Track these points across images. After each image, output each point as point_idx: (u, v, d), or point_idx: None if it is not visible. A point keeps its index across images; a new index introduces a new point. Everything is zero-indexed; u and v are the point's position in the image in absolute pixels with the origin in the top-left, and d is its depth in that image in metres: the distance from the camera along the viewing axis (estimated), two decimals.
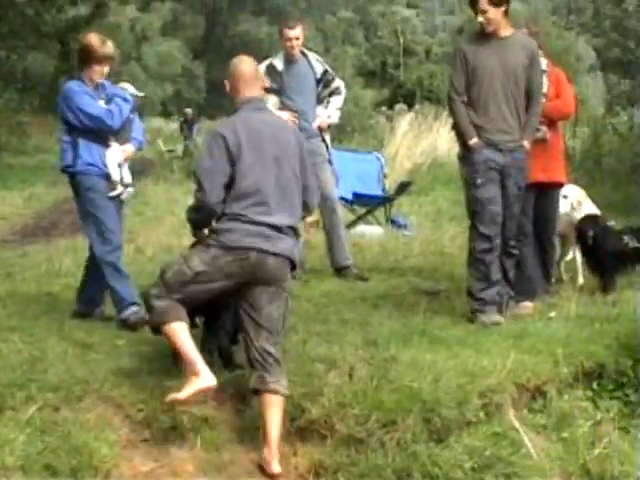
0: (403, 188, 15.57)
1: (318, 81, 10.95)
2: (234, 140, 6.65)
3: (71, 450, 5.97)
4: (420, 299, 9.12)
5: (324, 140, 10.98)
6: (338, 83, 11.15)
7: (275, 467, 6.37)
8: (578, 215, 9.64)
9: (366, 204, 14.51)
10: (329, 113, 10.95)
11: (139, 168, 24.77)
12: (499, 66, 8.59)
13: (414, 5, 66.17)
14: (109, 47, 8.49)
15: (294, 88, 10.80)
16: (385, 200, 14.94)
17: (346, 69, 36.71)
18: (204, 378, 6.40)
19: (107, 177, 8.42)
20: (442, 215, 15.55)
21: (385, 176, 16.02)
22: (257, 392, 6.51)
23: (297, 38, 10.76)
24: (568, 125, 18.37)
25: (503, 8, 8.49)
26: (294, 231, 6.75)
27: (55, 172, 10.98)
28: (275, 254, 6.56)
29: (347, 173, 14.80)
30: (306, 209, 7.02)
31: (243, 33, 63.38)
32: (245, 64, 7.03)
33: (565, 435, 6.66)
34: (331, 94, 11.07)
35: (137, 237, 12.75)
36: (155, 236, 12.82)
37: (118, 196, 8.54)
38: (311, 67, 10.98)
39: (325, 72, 11.01)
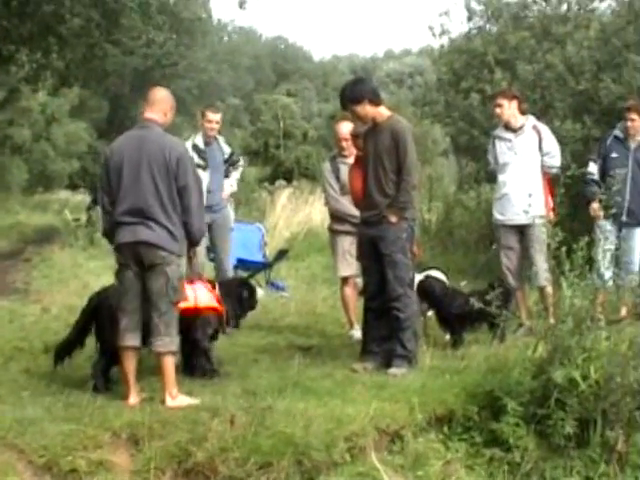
0: (281, 255, 15.61)
1: (225, 161, 11.22)
2: (109, 154, 7.59)
3: None
4: (295, 354, 9.10)
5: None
6: (241, 161, 11.56)
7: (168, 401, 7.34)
8: None
9: (249, 269, 14.49)
10: (231, 182, 11.31)
11: (47, 235, 24.54)
12: (372, 150, 8.70)
13: (293, 94, 66.72)
14: None
15: (211, 166, 11.04)
16: (265, 265, 14.95)
17: (234, 149, 36.75)
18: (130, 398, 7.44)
19: None
20: (316, 279, 15.57)
21: (266, 244, 16.04)
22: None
23: (217, 122, 11.06)
24: (425, 200, 18.62)
25: (364, 102, 8.60)
26: (158, 224, 7.34)
27: None
28: (139, 242, 7.35)
29: (232, 241, 14.84)
30: (188, 233, 7.54)
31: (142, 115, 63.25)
32: (154, 90, 7.89)
33: (420, 473, 6.68)
34: (232, 166, 11.41)
35: (44, 298, 12.55)
36: (60, 297, 12.59)
37: None
38: (221, 148, 11.22)
39: (232, 154, 11.35)
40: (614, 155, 10.58)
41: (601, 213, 10.21)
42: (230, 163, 11.41)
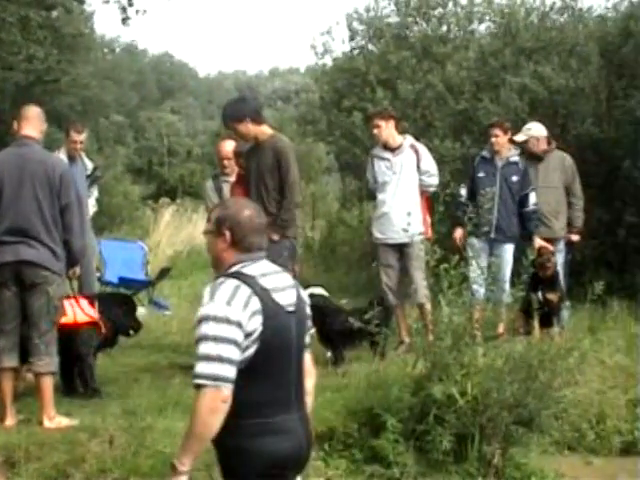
0: (164, 273, 15.50)
1: (88, 176, 11.04)
2: None
3: None
4: (176, 372, 9.07)
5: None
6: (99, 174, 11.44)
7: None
8: None
9: (131, 287, 14.36)
10: (92, 202, 11.13)
11: None
12: (254, 169, 8.72)
13: (178, 111, 66.39)
14: None
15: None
16: (148, 284, 14.84)
17: (117, 167, 36.36)
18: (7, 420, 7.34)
19: None
20: (199, 297, 15.49)
21: (148, 262, 15.93)
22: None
23: (81, 142, 10.81)
24: (308, 218, 18.71)
25: (246, 121, 8.62)
26: (40, 243, 7.26)
27: None
28: (21, 261, 7.23)
29: (114, 259, 14.75)
30: (69, 252, 7.44)
31: None
32: (29, 107, 7.66)
33: None
34: (94, 182, 11.28)
35: None
36: None
37: None
38: (84, 164, 11.04)
39: (95, 169, 11.17)
40: (481, 175, 10.74)
41: (461, 240, 10.34)
42: (92, 179, 11.23)
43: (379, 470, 7.16)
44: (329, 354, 9.71)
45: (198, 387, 4.03)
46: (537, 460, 7.71)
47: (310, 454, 4.49)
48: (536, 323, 10.22)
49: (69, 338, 7.99)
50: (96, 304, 8.60)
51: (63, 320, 7.82)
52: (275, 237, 8.56)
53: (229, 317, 4.06)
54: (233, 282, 4.18)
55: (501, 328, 9.78)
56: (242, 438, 4.13)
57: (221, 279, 4.24)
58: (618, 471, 8.97)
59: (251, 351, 4.11)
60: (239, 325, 4.06)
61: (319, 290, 10.49)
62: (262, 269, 4.30)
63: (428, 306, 9.73)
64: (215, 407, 4.02)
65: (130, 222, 28.49)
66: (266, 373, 4.20)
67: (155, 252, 19.62)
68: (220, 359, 4.01)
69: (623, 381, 10.23)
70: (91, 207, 11.18)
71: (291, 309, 4.33)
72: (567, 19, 16.04)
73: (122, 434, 6.72)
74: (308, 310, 4.56)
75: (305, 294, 4.58)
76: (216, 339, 4.03)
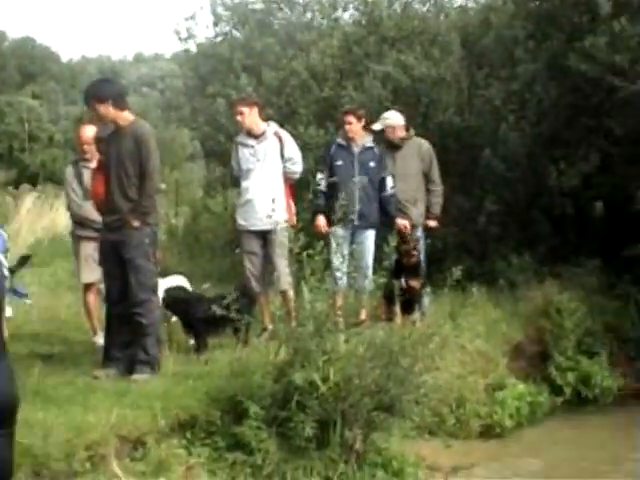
0: (24, 261, 15.15)
1: None
2: None
3: None
4: (35, 362, 8.88)
5: None
6: None
7: None
8: None
9: None
10: None
11: None
12: (115, 154, 8.62)
13: (39, 96, 65.10)
14: None
15: None
16: (7, 271, 14.51)
17: None
18: None
19: None
20: (60, 285, 15.25)
21: (8, 250, 15.55)
22: None
23: None
24: (172, 205, 18.58)
25: (108, 103, 8.52)
26: None
27: None
28: None
29: None
30: None
31: None
32: None
33: (162, 479, 6.67)
34: None
35: None
36: None
37: None
38: None
39: None
40: (339, 163, 10.77)
41: (325, 228, 10.38)
42: None
43: (242, 457, 7.16)
44: (192, 342, 9.67)
45: None
46: (398, 445, 7.83)
47: (14, 404, 5.03)
48: (398, 309, 10.37)
49: None
50: None
51: None
52: (136, 224, 8.51)
53: None
54: None
55: (363, 315, 9.85)
56: None
57: None
58: (477, 454, 9.20)
59: None
60: None
61: (180, 278, 10.43)
62: None
63: (291, 293, 9.79)
64: None
65: None
66: None
67: (15, 240, 19.19)
68: None
69: (482, 366, 10.50)
70: None
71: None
72: (429, 9, 16.30)
73: None
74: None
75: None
76: None
